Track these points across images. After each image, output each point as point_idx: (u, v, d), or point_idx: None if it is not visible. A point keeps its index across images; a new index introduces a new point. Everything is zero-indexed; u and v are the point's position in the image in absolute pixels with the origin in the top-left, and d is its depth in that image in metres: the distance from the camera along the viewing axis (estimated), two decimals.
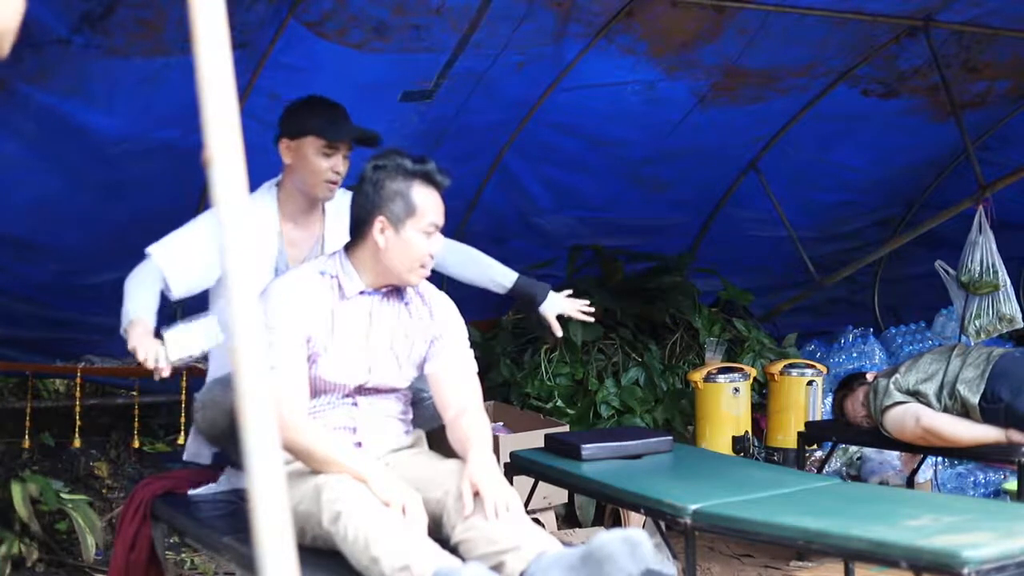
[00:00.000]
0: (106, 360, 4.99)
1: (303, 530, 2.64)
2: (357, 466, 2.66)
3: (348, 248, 2.91)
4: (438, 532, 2.62)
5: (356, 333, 2.89)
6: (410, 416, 3.07)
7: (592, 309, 3.50)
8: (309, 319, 2.82)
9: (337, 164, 3.30)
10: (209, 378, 3.36)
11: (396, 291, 2.95)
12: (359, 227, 2.87)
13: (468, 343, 3.05)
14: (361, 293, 2.89)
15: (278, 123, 3.35)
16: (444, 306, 3.03)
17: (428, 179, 2.85)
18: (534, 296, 3.40)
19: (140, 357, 2.86)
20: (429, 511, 2.65)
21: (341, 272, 2.88)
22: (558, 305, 3.47)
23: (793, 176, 5.91)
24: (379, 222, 2.81)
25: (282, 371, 2.76)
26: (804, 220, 6.13)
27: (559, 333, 3.42)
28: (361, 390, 2.92)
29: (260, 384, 1.22)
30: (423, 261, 2.86)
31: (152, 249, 3.26)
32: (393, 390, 2.98)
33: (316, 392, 2.87)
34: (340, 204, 3.32)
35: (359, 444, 2.90)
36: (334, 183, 3.31)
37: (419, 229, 2.83)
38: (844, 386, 4.64)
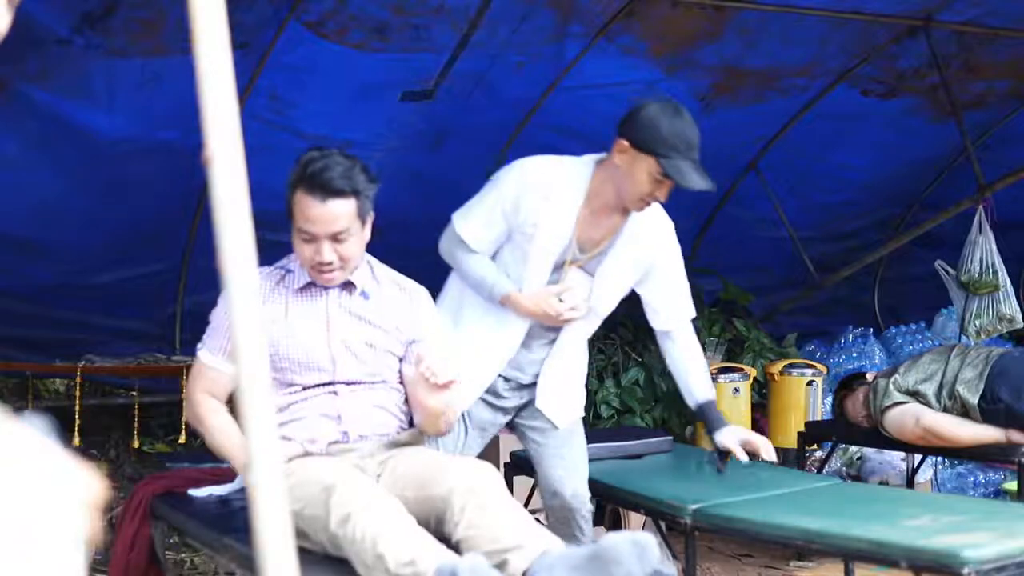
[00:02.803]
0: (106, 360, 4.99)
1: (306, 534, 2.63)
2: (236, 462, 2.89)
3: None
4: (440, 530, 2.62)
5: (315, 327, 2.92)
6: (406, 410, 3.07)
7: (771, 451, 3.35)
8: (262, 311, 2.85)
9: (662, 193, 3.08)
10: None
11: (351, 284, 2.96)
12: None
13: (445, 339, 3.07)
14: (312, 286, 2.93)
15: (628, 117, 3.04)
16: (422, 306, 3.04)
17: (305, 182, 2.80)
18: (710, 424, 3.35)
19: (565, 309, 3.17)
20: (431, 508, 2.65)
21: (294, 265, 2.94)
22: (736, 437, 3.33)
23: (793, 176, 5.91)
24: (291, 222, 2.88)
25: (212, 355, 2.92)
26: (804, 220, 6.13)
27: (743, 458, 3.28)
28: (330, 381, 2.94)
29: (261, 383, 1.22)
30: (312, 265, 2.84)
31: (456, 219, 3.34)
32: (372, 381, 2.99)
33: (290, 382, 2.90)
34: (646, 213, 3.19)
35: (344, 433, 2.91)
36: (650, 205, 3.13)
37: (297, 234, 2.83)
38: (844, 386, 4.64)
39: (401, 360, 3.02)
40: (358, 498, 2.58)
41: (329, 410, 2.91)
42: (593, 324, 3.43)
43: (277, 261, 3.09)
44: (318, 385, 2.92)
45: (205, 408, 2.93)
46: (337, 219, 2.80)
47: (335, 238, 2.82)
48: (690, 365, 3.40)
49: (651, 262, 3.30)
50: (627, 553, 2.39)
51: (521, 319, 3.26)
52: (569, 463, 3.39)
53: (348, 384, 2.93)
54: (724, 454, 3.35)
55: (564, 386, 3.42)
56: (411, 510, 2.67)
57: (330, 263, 2.83)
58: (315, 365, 2.91)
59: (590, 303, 3.28)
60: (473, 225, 3.28)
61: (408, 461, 2.85)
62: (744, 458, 3.29)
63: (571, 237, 3.19)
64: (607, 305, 3.36)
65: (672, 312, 3.39)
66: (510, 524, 2.53)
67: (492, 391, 3.38)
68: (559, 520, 3.34)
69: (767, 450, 3.30)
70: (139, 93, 4.05)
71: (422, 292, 3.09)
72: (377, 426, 2.96)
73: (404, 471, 2.80)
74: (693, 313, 3.45)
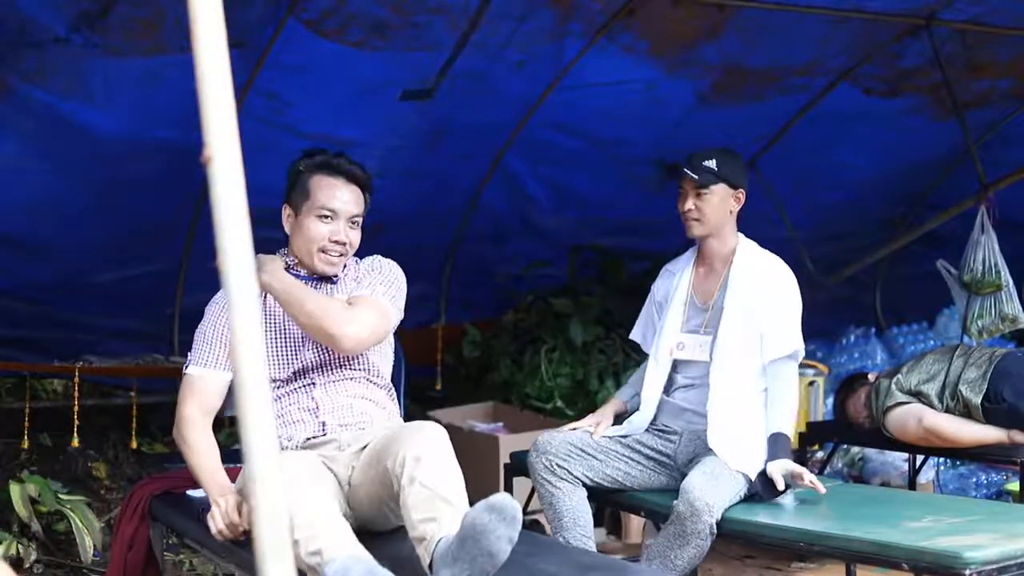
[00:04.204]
0: (104, 360, 4.98)
1: None
2: (211, 489, 2.91)
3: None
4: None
5: (278, 321, 3.02)
6: (390, 405, 3.09)
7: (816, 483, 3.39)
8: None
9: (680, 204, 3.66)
10: None
11: (327, 278, 3.08)
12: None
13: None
14: (302, 276, 3.05)
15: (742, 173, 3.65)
16: (367, 263, 3.17)
17: (328, 168, 3.03)
18: (768, 455, 3.42)
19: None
20: (389, 484, 2.70)
21: (291, 262, 3.08)
22: (782, 467, 3.38)
23: (794, 175, 5.90)
24: (284, 209, 3.05)
25: (201, 370, 3.03)
26: (805, 219, 6.11)
27: (779, 486, 3.36)
28: (305, 372, 3.00)
29: (260, 384, 1.21)
30: (322, 246, 3.00)
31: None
32: (347, 367, 3.04)
33: (277, 371, 2.98)
34: (750, 259, 3.63)
35: (323, 424, 2.97)
36: (688, 221, 3.63)
37: (314, 214, 2.99)
38: (846, 387, 4.63)
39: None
40: (289, 471, 2.64)
41: (308, 403, 2.96)
42: (738, 365, 3.51)
43: None
44: (295, 373, 2.96)
45: (190, 427, 3.01)
46: (357, 203, 3.04)
47: (351, 222, 3.03)
48: (774, 397, 3.50)
49: (761, 299, 3.54)
50: (488, 520, 2.41)
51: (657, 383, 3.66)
52: (695, 476, 3.33)
53: (323, 373, 2.98)
54: (770, 483, 3.37)
55: (734, 429, 3.45)
56: (378, 493, 2.76)
57: (344, 243, 3.01)
58: (284, 356, 3.01)
59: (716, 354, 3.53)
60: (637, 327, 3.93)
61: (374, 443, 2.89)
62: (780, 486, 3.34)
63: (687, 298, 3.65)
64: (734, 347, 3.51)
65: (768, 344, 3.51)
66: (422, 512, 2.56)
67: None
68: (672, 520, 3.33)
69: (810, 479, 3.35)
70: (138, 92, 4.04)
71: (371, 257, 3.20)
72: (355, 416, 2.99)
73: (368, 450, 2.87)
74: (791, 349, 3.53)
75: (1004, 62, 5.31)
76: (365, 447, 2.92)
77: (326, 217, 2.98)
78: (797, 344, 3.54)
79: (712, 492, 3.25)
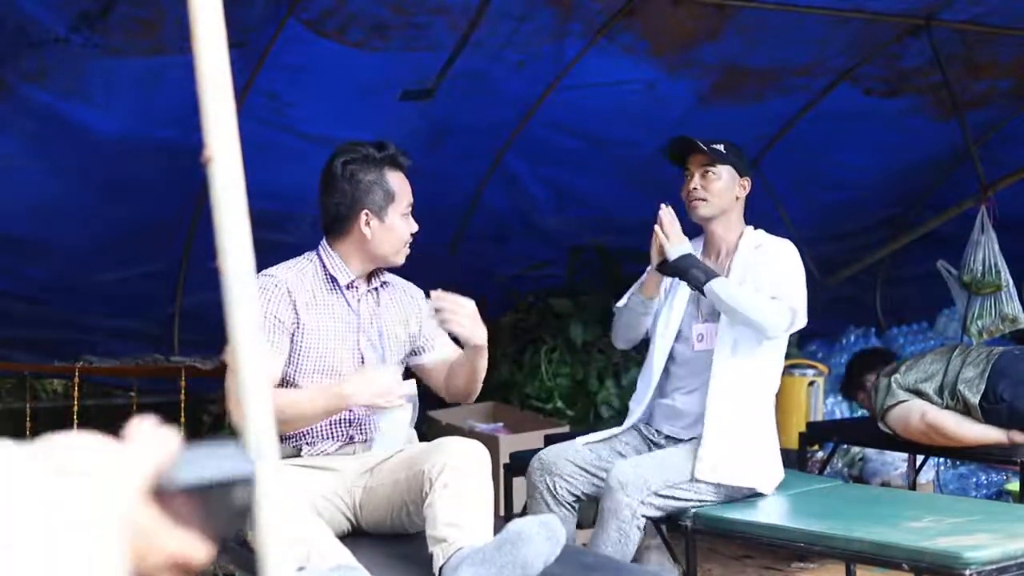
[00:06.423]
0: (104, 360, 4.98)
1: None
2: (327, 396, 2.76)
3: (331, 242, 2.98)
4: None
5: (346, 325, 2.97)
6: (407, 414, 3.09)
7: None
8: (297, 308, 2.90)
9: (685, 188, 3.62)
10: None
11: (381, 284, 3.04)
12: (343, 222, 2.94)
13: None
14: (351, 285, 2.97)
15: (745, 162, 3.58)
16: (423, 300, 3.11)
17: (394, 163, 2.96)
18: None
19: None
20: (414, 485, 2.70)
21: (331, 264, 2.96)
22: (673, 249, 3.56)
23: (795, 176, 5.90)
24: (364, 215, 2.91)
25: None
26: (806, 219, 6.11)
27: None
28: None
29: (261, 385, 1.20)
30: (406, 240, 2.98)
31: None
32: None
33: (307, 380, 2.92)
34: (755, 244, 3.53)
35: (351, 436, 2.96)
36: (692, 203, 3.60)
37: (400, 213, 2.94)
38: (862, 357, 4.64)
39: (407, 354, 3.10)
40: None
41: (343, 414, 2.94)
42: (740, 371, 3.40)
43: (278, 262, 3.07)
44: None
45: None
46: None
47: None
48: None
49: (761, 275, 3.43)
50: (536, 534, 2.45)
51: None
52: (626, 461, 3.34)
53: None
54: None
55: (733, 444, 3.35)
56: (400, 496, 2.76)
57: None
58: (345, 362, 2.97)
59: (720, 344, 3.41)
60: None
61: (408, 450, 2.90)
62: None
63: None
64: (735, 347, 3.39)
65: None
66: (450, 516, 2.58)
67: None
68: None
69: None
70: (138, 92, 4.05)
71: (419, 292, 3.17)
72: (383, 429, 2.98)
73: (400, 456, 2.86)
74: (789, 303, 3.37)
75: (1004, 62, 5.31)
76: (386, 453, 2.92)
77: (407, 213, 2.97)
78: (796, 302, 3.37)
79: (633, 472, 3.22)
